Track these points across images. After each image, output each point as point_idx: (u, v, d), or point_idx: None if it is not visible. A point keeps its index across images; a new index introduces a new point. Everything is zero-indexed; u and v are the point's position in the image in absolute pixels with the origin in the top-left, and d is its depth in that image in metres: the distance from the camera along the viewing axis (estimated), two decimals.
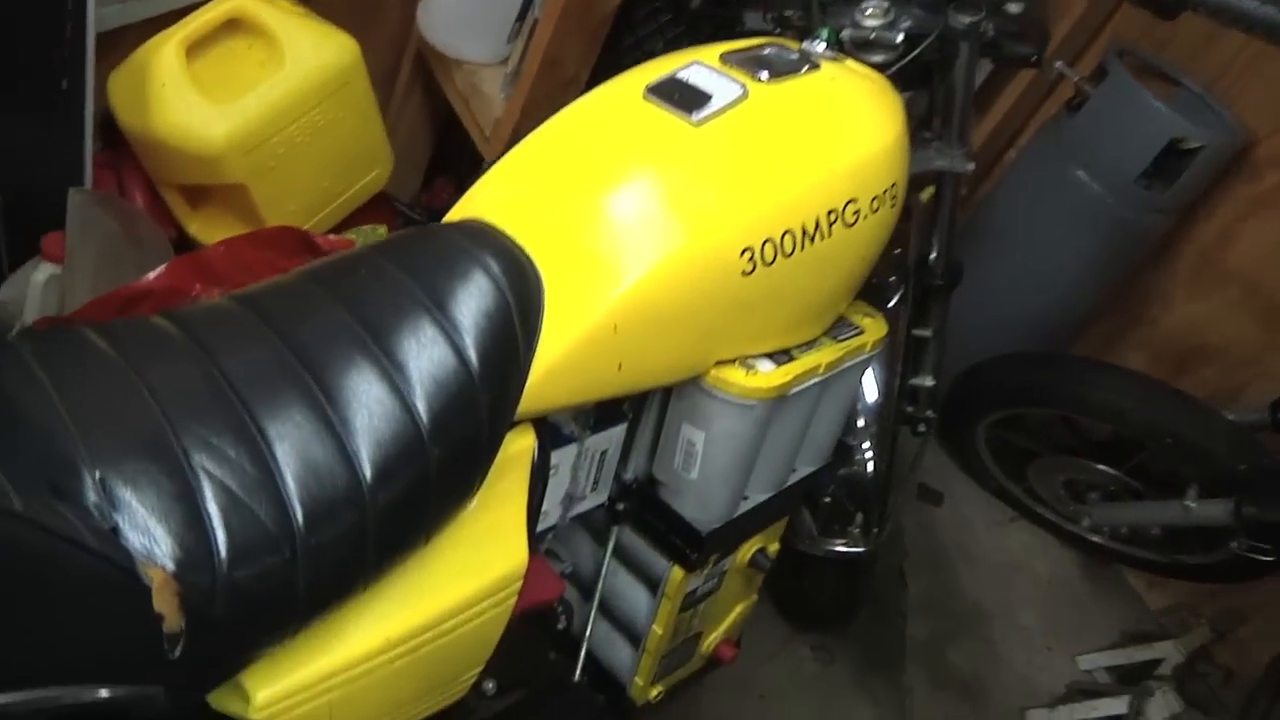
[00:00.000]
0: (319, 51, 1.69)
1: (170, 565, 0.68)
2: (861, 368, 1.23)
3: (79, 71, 1.56)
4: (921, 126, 1.44)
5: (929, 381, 1.77)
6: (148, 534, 0.68)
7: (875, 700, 2.03)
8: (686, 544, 1.16)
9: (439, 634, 0.90)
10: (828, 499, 1.63)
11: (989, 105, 2.38)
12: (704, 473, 1.11)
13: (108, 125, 1.72)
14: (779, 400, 1.10)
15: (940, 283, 1.61)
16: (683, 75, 1.06)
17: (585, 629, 1.32)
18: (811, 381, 1.13)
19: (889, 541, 2.27)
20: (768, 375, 1.06)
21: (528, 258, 0.94)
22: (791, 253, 1.01)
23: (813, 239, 1.02)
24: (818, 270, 1.05)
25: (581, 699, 1.37)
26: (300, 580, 0.75)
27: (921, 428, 1.84)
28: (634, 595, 1.26)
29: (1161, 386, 2.06)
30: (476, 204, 1.01)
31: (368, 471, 0.79)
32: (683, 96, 1.03)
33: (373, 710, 0.90)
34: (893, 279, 1.60)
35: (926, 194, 1.52)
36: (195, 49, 1.65)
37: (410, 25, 1.97)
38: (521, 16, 1.79)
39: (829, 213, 1.03)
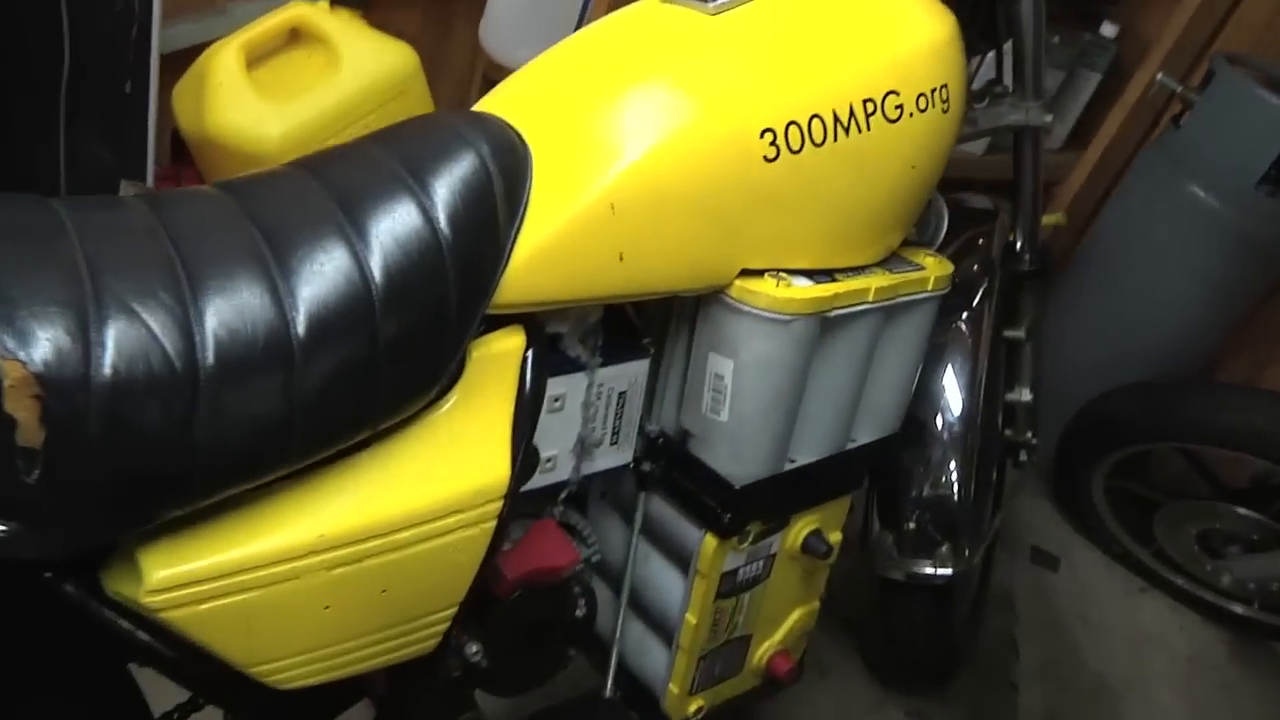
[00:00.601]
0: (377, 58, 1.68)
1: (35, 364, 0.57)
2: (927, 312, 1.08)
3: (143, 75, 1.58)
4: (992, 84, 1.33)
5: (1026, 396, 1.60)
6: (14, 329, 0.58)
7: None
8: (718, 503, 1.01)
9: (391, 545, 0.77)
10: (912, 523, 1.46)
11: (1091, 134, 2.24)
12: (736, 412, 0.97)
13: (175, 142, 1.74)
14: (821, 328, 0.96)
15: (1029, 269, 1.45)
16: None
17: (614, 631, 1.17)
18: (859, 307, 0.98)
19: (998, 605, 2.05)
20: (803, 289, 0.92)
21: (519, 136, 0.86)
22: (822, 142, 0.89)
23: (846, 130, 0.90)
24: (856, 168, 0.93)
25: (609, 715, 1.21)
26: (200, 428, 0.63)
27: (1023, 455, 1.66)
28: (666, 580, 1.10)
29: None
30: (485, 103, 0.95)
31: (301, 323, 0.68)
32: None
33: (308, 630, 0.76)
34: (976, 268, 1.45)
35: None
36: (257, 57, 1.66)
37: (479, 50, 1.96)
38: (580, 24, 1.75)
39: (865, 101, 0.91)
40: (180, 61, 1.67)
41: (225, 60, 1.61)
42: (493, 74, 1.99)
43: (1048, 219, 1.82)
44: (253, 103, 1.60)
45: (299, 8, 1.67)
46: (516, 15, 1.82)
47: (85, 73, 1.51)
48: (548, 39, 1.77)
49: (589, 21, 1.68)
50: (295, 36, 1.70)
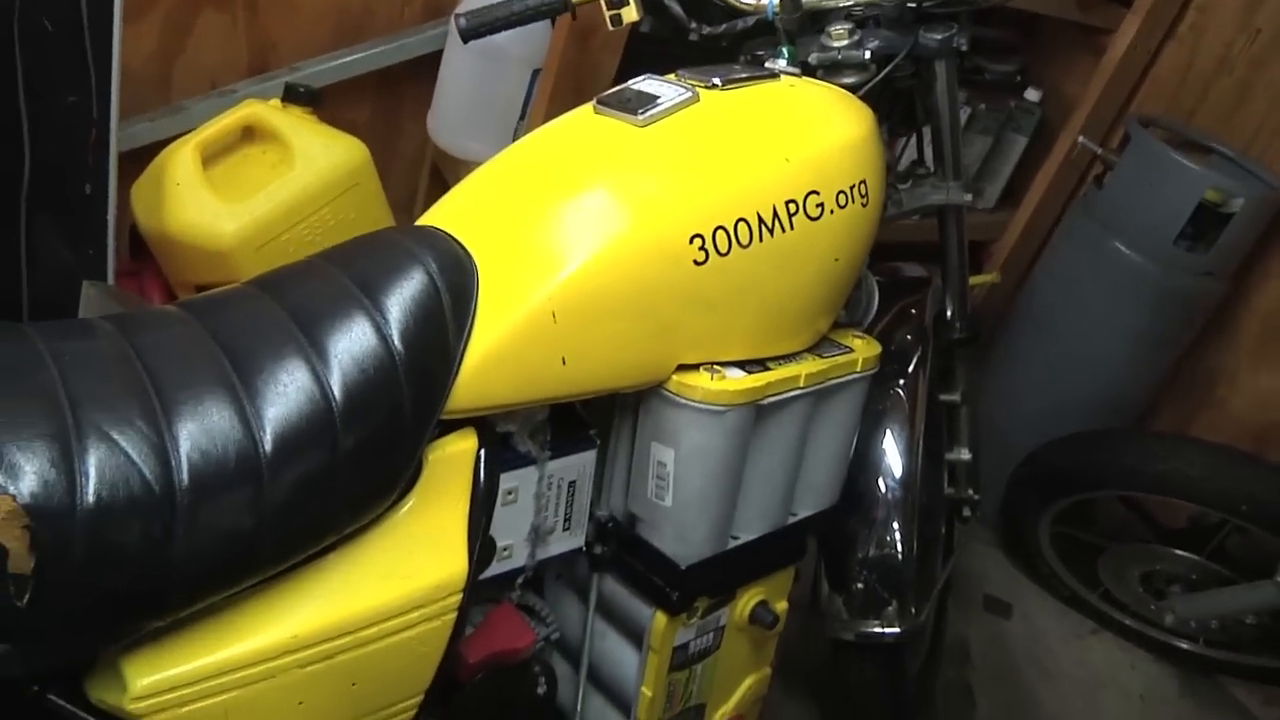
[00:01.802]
0: (328, 153, 1.74)
1: (23, 496, 0.62)
2: (857, 391, 1.15)
3: (102, 177, 1.61)
4: (915, 166, 1.42)
5: (965, 455, 1.67)
6: (3, 463, 0.63)
7: None
8: (666, 582, 1.06)
9: (359, 641, 0.81)
10: (859, 584, 1.51)
11: (1022, 194, 2.34)
12: (679, 497, 1.02)
13: (135, 239, 1.78)
14: (757, 416, 1.02)
15: (960, 336, 1.52)
16: (633, 85, 1.05)
17: (575, 706, 1.21)
18: (791, 393, 1.04)
19: (954, 655, 2.11)
20: (736, 380, 0.99)
21: (465, 250, 0.91)
22: (749, 244, 0.96)
23: (771, 230, 0.97)
24: (781, 266, 0.99)
25: None
26: (178, 546, 0.68)
27: (966, 512, 1.72)
28: (621, 655, 1.15)
29: (1229, 450, 1.90)
30: (429, 216, 1.00)
31: (268, 441, 0.74)
32: (630, 102, 1.01)
33: None
34: (910, 336, 1.52)
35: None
36: (212, 155, 1.71)
37: (427, 140, 2.02)
38: (524, 114, 1.83)
39: (788, 203, 0.98)
40: (138, 159, 1.72)
41: (182, 159, 1.67)
42: (441, 162, 2.06)
43: (983, 279, 1.91)
44: (209, 201, 1.65)
45: (252, 106, 1.73)
46: (463, 106, 1.89)
47: (45, 175, 1.55)
48: (493, 129, 1.86)
49: (531, 114, 1.76)
50: (249, 134, 1.75)
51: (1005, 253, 2.35)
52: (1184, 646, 2.17)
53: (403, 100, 2.06)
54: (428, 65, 1.96)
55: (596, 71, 1.66)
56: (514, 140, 1.09)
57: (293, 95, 1.74)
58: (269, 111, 1.73)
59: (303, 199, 1.71)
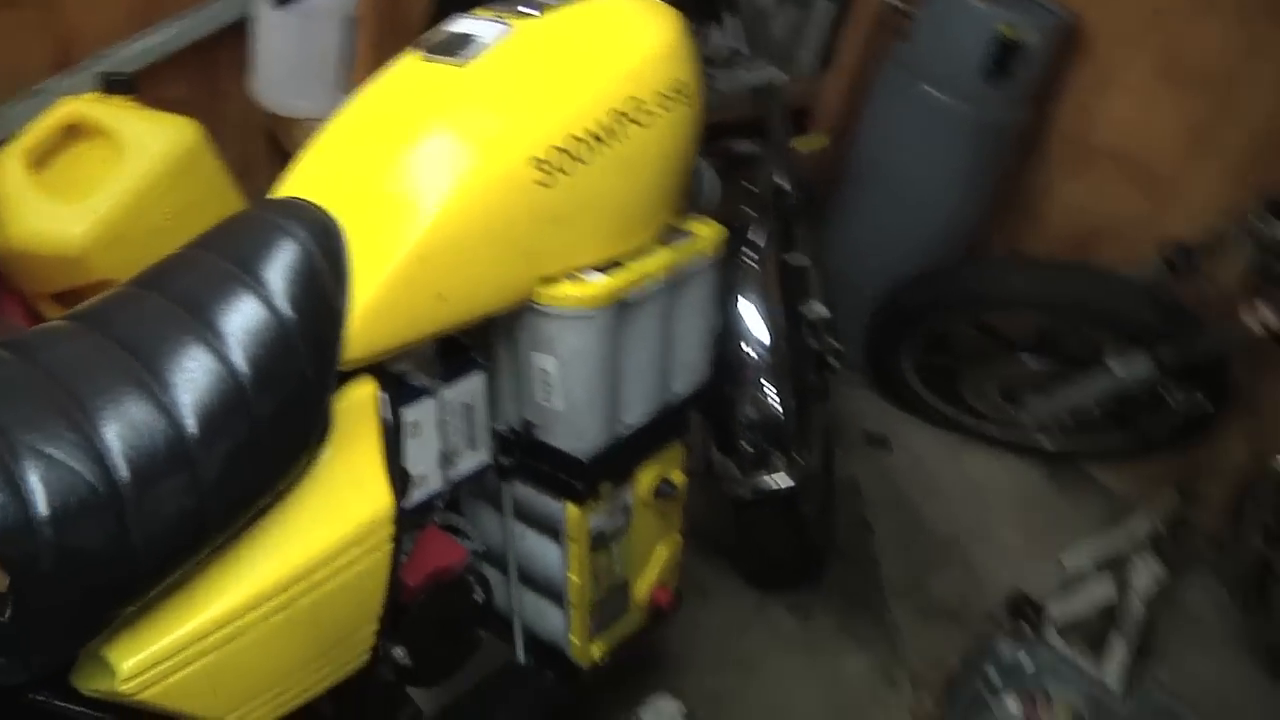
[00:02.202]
0: (159, 137, 1.72)
1: None
2: (709, 271, 1.25)
3: None
4: (733, 54, 1.51)
5: (822, 310, 1.80)
6: None
7: (861, 645, 2.01)
8: (570, 476, 1.16)
9: (311, 585, 0.90)
10: (746, 445, 1.64)
11: (838, 58, 2.45)
12: (568, 399, 1.12)
13: None
14: (624, 312, 1.12)
15: (796, 202, 1.64)
16: (448, 28, 1.10)
17: (513, 606, 1.32)
18: (652, 287, 1.14)
19: (846, 493, 2.28)
20: (598, 283, 1.08)
21: (326, 214, 0.97)
22: (586, 158, 1.04)
23: (603, 141, 1.05)
24: (620, 172, 1.08)
25: (529, 679, 1.36)
26: (134, 535, 0.75)
27: (833, 361, 1.87)
28: (544, 550, 1.26)
29: (1053, 262, 2.10)
30: (286, 188, 1.05)
31: (190, 424, 0.80)
32: (449, 45, 1.07)
33: (261, 676, 0.89)
34: (751, 212, 1.64)
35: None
36: (39, 159, 1.68)
37: (253, 105, 2.02)
38: (348, 63, 1.85)
39: (615, 113, 1.06)
40: None
41: (10, 170, 1.64)
42: (274, 124, 2.05)
43: (811, 143, 2.03)
44: (48, 207, 1.64)
45: (69, 104, 1.70)
46: (283, 66, 1.89)
47: None
48: (318, 83, 1.88)
49: (358, 64, 1.78)
50: (73, 132, 1.72)
51: (830, 115, 2.47)
52: (1046, 443, 2.39)
53: (219, 69, 2.04)
54: (238, 30, 1.94)
55: (410, 14, 1.69)
56: (346, 93, 1.14)
57: (109, 85, 1.72)
58: (88, 106, 1.71)
59: (144, 187, 1.70)
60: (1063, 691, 0.94)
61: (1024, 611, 1.62)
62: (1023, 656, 0.96)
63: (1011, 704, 0.92)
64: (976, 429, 2.46)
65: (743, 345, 1.58)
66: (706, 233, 1.24)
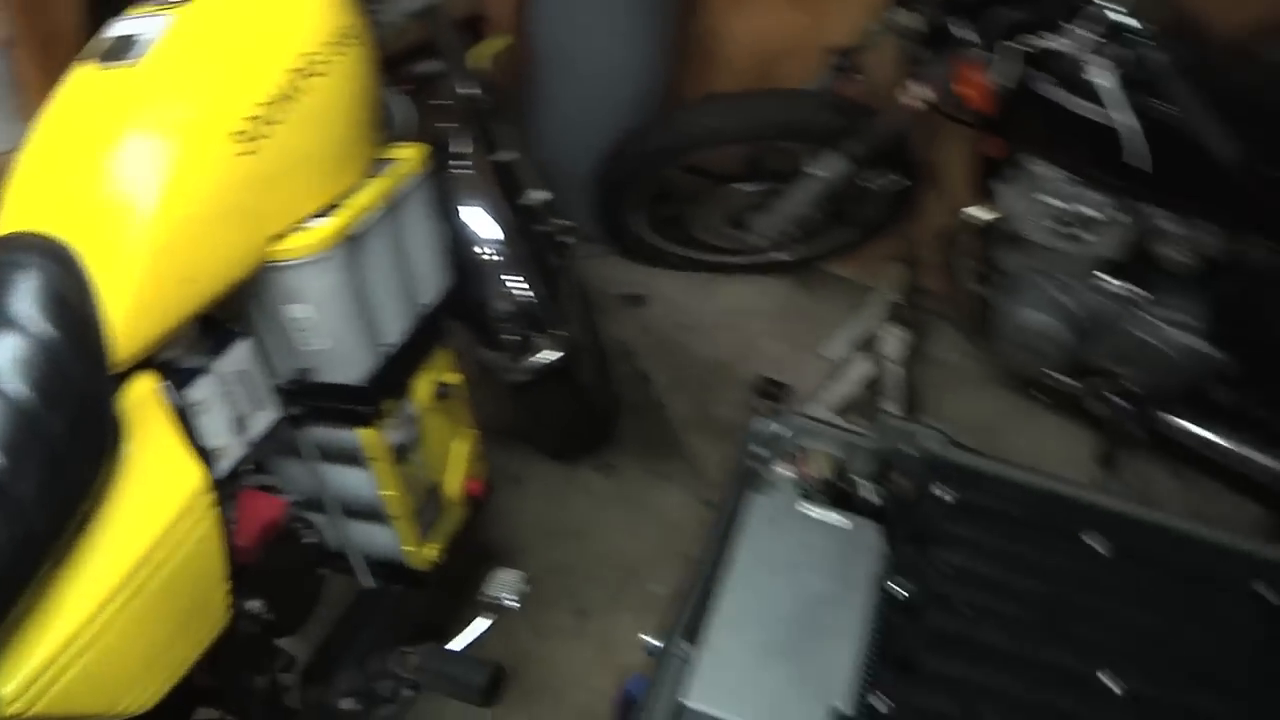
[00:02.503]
0: None
1: None
2: (423, 188, 1.36)
3: None
4: None
5: (542, 195, 1.93)
6: None
7: (669, 480, 2.22)
8: (355, 404, 1.28)
9: (155, 567, 0.98)
10: (507, 335, 1.77)
11: None
12: (331, 336, 1.22)
13: None
14: (354, 245, 1.22)
15: (485, 105, 1.75)
16: (110, 33, 1.14)
17: (342, 538, 1.43)
18: (373, 217, 1.25)
19: (618, 353, 2.46)
20: (322, 227, 1.18)
21: (51, 238, 1.01)
22: (282, 118, 1.12)
23: (293, 99, 1.13)
24: (314, 123, 1.17)
25: (382, 597, 1.49)
26: None
27: (566, 238, 2.01)
28: (354, 480, 1.37)
29: (735, 94, 2.31)
30: (3, 223, 1.07)
31: None
32: (116, 50, 1.11)
33: (135, 661, 0.98)
34: (449, 124, 1.74)
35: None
36: None
37: None
38: (15, 90, 1.81)
39: (292, 72, 1.14)
40: None
41: None
42: None
43: (494, 45, 2.12)
44: None
45: None
46: None
47: None
48: None
49: (27, 90, 1.75)
50: None
51: (507, 16, 2.55)
52: (784, 256, 2.64)
53: None
54: None
55: (63, 27, 1.67)
56: (26, 120, 1.16)
57: None
58: None
59: None
60: (818, 444, 1.14)
61: (768, 390, 1.86)
62: (777, 427, 1.15)
63: (780, 469, 1.11)
64: (719, 263, 2.68)
65: (476, 248, 1.69)
66: (409, 154, 1.35)
